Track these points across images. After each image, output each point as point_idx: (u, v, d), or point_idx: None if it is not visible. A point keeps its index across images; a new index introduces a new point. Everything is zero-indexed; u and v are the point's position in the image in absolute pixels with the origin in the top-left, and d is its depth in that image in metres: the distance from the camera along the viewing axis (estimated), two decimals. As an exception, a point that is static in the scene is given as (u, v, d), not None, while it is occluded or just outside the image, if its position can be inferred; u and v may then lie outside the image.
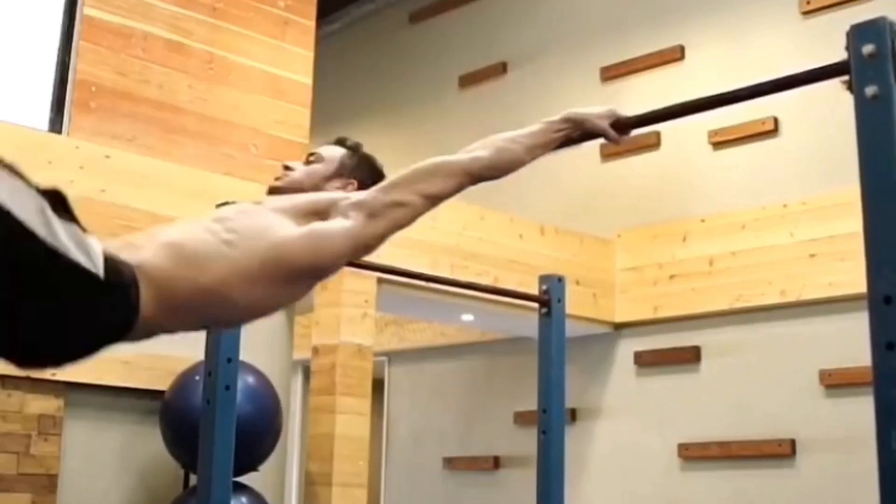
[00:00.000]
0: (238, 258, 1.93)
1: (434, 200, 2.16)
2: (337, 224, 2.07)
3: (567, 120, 2.34)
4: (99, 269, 1.69)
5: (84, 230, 1.76)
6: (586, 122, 2.39)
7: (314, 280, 2.11)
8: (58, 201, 1.78)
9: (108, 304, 1.74)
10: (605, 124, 2.40)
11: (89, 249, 1.71)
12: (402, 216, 2.12)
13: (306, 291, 2.13)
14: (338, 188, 2.27)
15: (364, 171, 2.33)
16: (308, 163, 2.32)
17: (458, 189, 2.19)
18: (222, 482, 2.91)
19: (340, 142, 2.39)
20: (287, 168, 2.30)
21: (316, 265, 2.05)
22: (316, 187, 2.26)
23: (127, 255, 1.80)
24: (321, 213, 2.10)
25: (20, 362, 1.73)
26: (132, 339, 1.83)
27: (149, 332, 1.87)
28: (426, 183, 2.15)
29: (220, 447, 2.92)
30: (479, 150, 2.23)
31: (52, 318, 1.66)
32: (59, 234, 1.68)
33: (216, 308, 1.97)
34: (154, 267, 1.82)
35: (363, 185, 2.25)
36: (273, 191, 2.27)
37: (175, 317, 1.89)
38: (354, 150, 2.36)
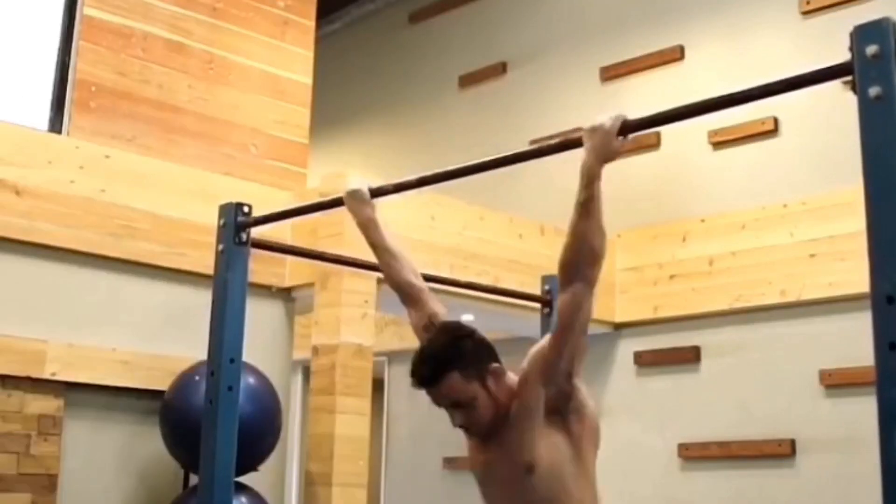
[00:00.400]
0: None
1: (585, 315, 2.39)
2: (576, 404, 2.41)
3: (583, 172, 2.42)
4: None
5: None
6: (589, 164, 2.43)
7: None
8: None
9: None
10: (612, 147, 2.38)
11: None
12: (584, 351, 2.39)
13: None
14: (497, 384, 2.40)
15: (479, 353, 2.42)
16: (463, 409, 2.38)
17: (589, 293, 2.42)
18: (224, 482, 2.90)
19: (440, 369, 2.37)
20: (468, 425, 2.41)
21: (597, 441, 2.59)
22: (496, 406, 2.39)
23: None
24: (553, 408, 2.38)
25: None
26: None
27: None
28: (573, 317, 2.35)
29: (223, 447, 2.91)
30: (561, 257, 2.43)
31: None
32: None
33: None
34: None
35: (492, 354, 2.44)
36: (479, 435, 2.45)
37: None
38: (455, 360, 2.38)
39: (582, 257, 2.34)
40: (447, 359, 2.36)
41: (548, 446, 2.32)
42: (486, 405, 2.36)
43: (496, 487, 2.40)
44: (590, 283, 2.33)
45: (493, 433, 2.40)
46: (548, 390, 2.33)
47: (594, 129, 2.29)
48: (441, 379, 2.35)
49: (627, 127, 2.28)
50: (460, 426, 2.38)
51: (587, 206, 2.35)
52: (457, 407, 2.36)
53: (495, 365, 2.40)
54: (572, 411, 2.37)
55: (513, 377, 2.43)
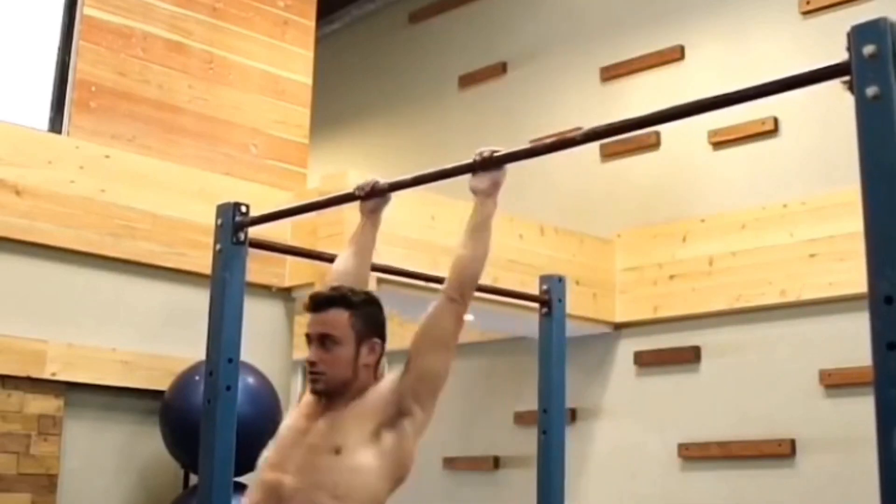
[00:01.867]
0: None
1: (448, 345, 2.40)
2: (402, 433, 2.40)
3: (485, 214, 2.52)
4: None
5: None
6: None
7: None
8: None
9: None
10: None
11: None
12: (436, 375, 2.39)
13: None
14: (367, 355, 2.42)
15: (374, 319, 2.46)
16: (324, 346, 2.38)
17: (459, 317, 2.42)
18: (223, 482, 2.91)
19: (331, 301, 2.43)
20: (313, 364, 2.39)
21: (402, 476, 2.42)
22: (353, 370, 2.40)
23: None
24: (386, 421, 2.38)
25: None
26: None
27: None
28: (431, 346, 2.37)
29: (221, 447, 2.91)
30: (448, 275, 2.45)
31: None
32: None
33: None
34: None
35: (382, 332, 2.46)
36: (320, 394, 2.42)
37: None
38: (351, 304, 2.43)
39: (474, 280, 2.44)
40: (349, 300, 2.42)
41: (363, 445, 2.33)
42: (345, 360, 2.39)
43: (299, 451, 2.35)
44: (467, 305, 2.45)
45: (334, 403, 2.40)
46: (398, 403, 2.39)
47: (481, 179, 2.51)
48: (331, 308, 2.41)
49: (498, 159, 2.51)
50: (310, 361, 2.38)
51: (486, 236, 2.46)
52: (322, 341, 2.38)
53: (378, 342, 2.43)
54: (398, 429, 2.39)
55: (384, 372, 2.46)
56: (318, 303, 2.43)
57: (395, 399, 2.37)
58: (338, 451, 2.31)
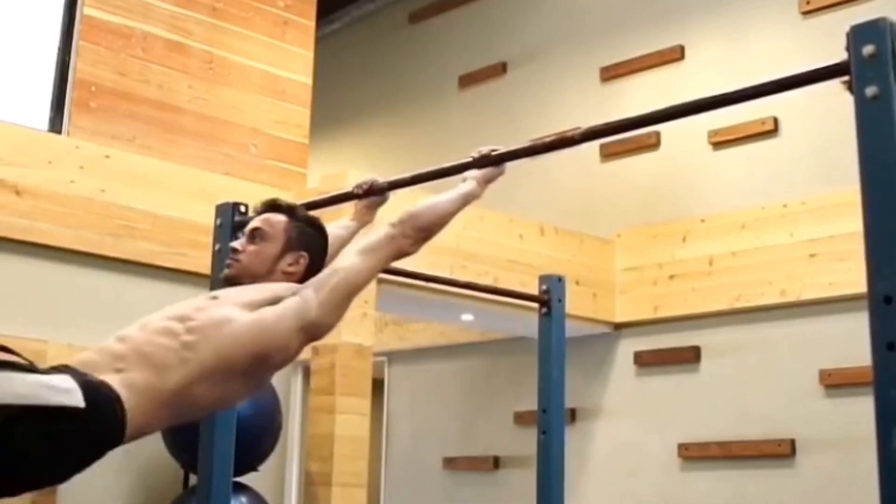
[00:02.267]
0: (198, 361, 2.06)
1: (369, 253, 2.28)
2: (282, 305, 2.17)
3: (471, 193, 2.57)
4: (79, 401, 1.89)
5: (47, 371, 1.97)
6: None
7: (271, 368, 2.20)
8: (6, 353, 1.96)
9: (98, 425, 1.95)
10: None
11: (62, 389, 1.90)
12: (348, 284, 2.22)
13: (268, 379, 2.26)
14: (290, 265, 2.34)
15: (310, 238, 2.40)
16: (252, 240, 2.35)
17: (391, 243, 2.32)
18: (223, 482, 2.91)
19: (277, 207, 2.42)
20: (235, 252, 2.35)
21: (264, 353, 2.13)
22: (270, 269, 2.33)
23: (105, 374, 2.03)
24: (275, 301, 2.19)
25: (20, 492, 2.02)
26: (125, 443, 2.02)
27: (139, 434, 2.05)
28: (352, 250, 2.30)
29: (221, 447, 2.92)
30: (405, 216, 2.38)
31: (53, 454, 1.93)
32: (24, 389, 1.85)
33: (184, 408, 2.09)
34: (129, 380, 2.01)
35: (313, 254, 2.37)
36: (228, 279, 2.34)
37: (156, 418, 2.06)
38: (294, 216, 2.40)
39: (418, 222, 2.38)
40: (294, 212, 2.42)
41: (234, 305, 2.17)
42: (265, 256, 2.34)
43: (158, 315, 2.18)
44: (409, 252, 2.40)
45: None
46: (292, 289, 2.25)
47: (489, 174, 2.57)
48: (274, 211, 2.41)
49: (497, 158, 2.55)
50: (233, 248, 2.36)
51: (451, 204, 2.49)
52: (252, 235, 2.36)
53: (305, 256, 2.36)
54: (278, 305, 2.19)
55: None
56: (266, 205, 2.45)
57: (292, 288, 2.25)
58: (200, 307, 2.15)
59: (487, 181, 2.56)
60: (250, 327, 2.11)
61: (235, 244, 2.38)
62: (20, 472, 1.91)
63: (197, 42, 5.22)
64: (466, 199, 2.51)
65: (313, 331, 2.19)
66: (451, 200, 2.48)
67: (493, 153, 2.57)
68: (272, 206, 2.43)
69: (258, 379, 2.21)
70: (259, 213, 2.45)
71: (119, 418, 1.96)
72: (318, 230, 2.44)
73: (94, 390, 1.94)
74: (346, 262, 2.27)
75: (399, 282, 4.66)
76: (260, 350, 2.12)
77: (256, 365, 2.14)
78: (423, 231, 2.39)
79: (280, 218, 2.38)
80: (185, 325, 2.09)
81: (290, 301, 2.18)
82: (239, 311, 2.13)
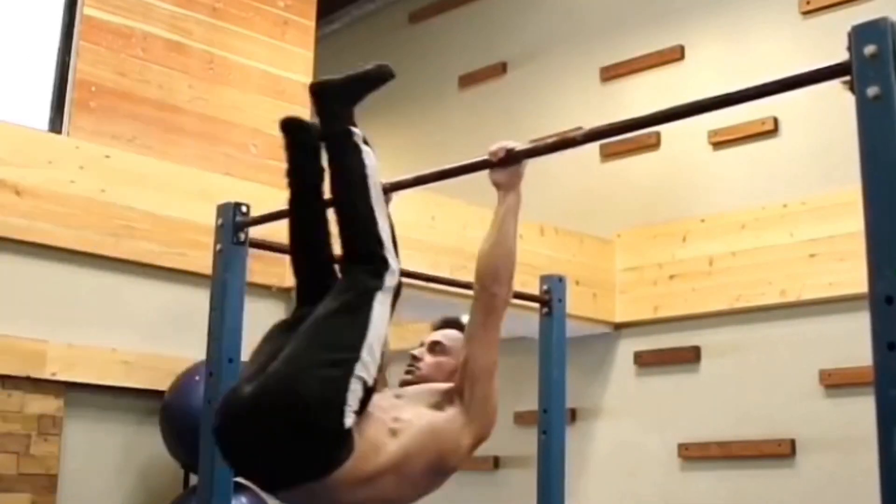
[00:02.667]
0: (397, 450, 2.26)
1: (476, 337, 2.44)
2: (455, 414, 2.38)
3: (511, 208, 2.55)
4: (346, 424, 2.15)
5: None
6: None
7: (446, 472, 2.40)
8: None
9: (338, 451, 2.16)
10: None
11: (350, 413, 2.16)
12: (476, 366, 2.41)
13: (439, 484, 2.42)
14: (456, 378, 2.49)
15: None
16: (433, 352, 2.58)
17: (487, 307, 2.49)
18: (224, 482, 2.91)
19: (457, 324, 2.63)
20: (416, 359, 2.57)
21: (439, 455, 2.34)
22: (446, 381, 2.49)
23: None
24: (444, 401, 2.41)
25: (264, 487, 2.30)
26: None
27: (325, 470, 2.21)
28: (467, 341, 2.45)
29: (221, 447, 2.91)
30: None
31: (308, 458, 2.14)
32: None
33: (369, 494, 2.25)
34: (385, 454, 2.25)
35: None
36: (404, 384, 2.54)
37: (352, 490, 2.23)
38: None
39: (495, 271, 2.51)
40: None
41: (425, 406, 2.41)
42: (443, 370, 2.55)
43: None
44: (508, 301, 2.58)
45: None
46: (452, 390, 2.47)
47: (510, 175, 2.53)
48: (454, 328, 2.64)
49: (501, 161, 2.50)
50: (413, 356, 2.58)
51: (507, 229, 2.50)
52: (433, 346, 2.60)
53: None
54: (452, 407, 2.43)
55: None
56: (446, 321, 2.69)
57: (451, 388, 2.44)
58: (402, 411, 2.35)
59: (516, 180, 2.52)
60: (429, 430, 2.32)
61: (416, 352, 2.59)
62: (280, 466, 2.14)
63: (197, 42, 5.22)
64: (510, 213, 2.49)
65: (480, 433, 2.42)
66: (507, 225, 2.48)
67: (512, 150, 2.51)
68: (453, 322, 2.65)
69: (433, 482, 2.40)
70: (438, 327, 2.66)
71: (341, 458, 2.17)
72: None
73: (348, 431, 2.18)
74: (474, 365, 2.40)
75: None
76: (434, 452, 2.33)
77: (433, 467, 2.35)
78: (503, 279, 2.51)
79: (460, 335, 2.56)
80: (390, 414, 2.31)
81: (459, 409, 2.38)
82: (426, 411, 2.36)
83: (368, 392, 2.20)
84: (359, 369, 2.17)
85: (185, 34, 5.18)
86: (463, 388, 2.39)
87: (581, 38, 6.76)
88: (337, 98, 2.51)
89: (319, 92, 2.54)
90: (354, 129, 2.52)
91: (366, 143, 2.52)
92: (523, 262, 5.42)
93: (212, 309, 3.01)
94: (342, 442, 2.15)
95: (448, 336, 2.59)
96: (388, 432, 2.25)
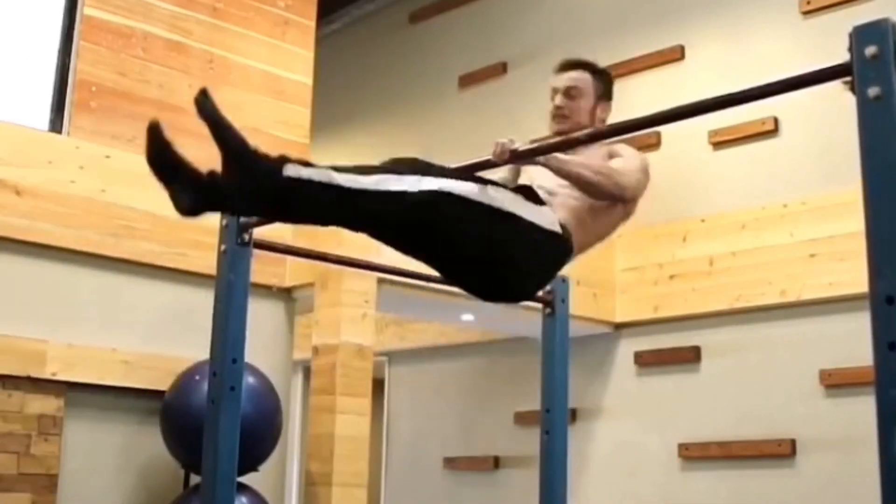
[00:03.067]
0: (584, 200, 2.75)
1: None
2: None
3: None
4: (558, 228, 2.61)
5: (544, 203, 2.64)
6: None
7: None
8: (529, 192, 2.62)
9: (564, 248, 2.64)
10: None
11: (552, 220, 2.59)
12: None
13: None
14: (602, 111, 2.94)
15: (607, 86, 2.99)
16: (571, 97, 2.89)
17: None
18: (226, 483, 2.91)
19: (583, 66, 2.95)
20: (559, 108, 2.88)
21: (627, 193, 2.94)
22: (590, 119, 2.90)
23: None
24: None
25: (497, 299, 2.75)
26: (571, 260, 2.73)
27: (576, 253, 2.74)
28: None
29: (225, 448, 2.91)
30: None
31: (537, 267, 2.61)
32: (539, 219, 2.55)
33: (586, 230, 2.77)
34: (565, 220, 2.67)
35: (611, 98, 3.00)
36: (559, 133, 2.84)
37: (577, 248, 2.72)
38: (594, 70, 2.97)
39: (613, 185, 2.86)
40: (593, 67, 2.97)
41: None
42: (585, 110, 2.89)
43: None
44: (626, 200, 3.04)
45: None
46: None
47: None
48: (578, 69, 2.93)
49: (506, 161, 2.61)
50: (557, 106, 2.88)
51: (568, 171, 2.74)
52: (568, 92, 2.89)
53: (609, 105, 2.95)
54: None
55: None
56: (568, 63, 2.96)
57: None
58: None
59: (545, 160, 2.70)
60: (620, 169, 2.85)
61: (558, 103, 2.88)
62: (513, 280, 2.55)
63: (197, 42, 5.22)
64: (562, 164, 2.71)
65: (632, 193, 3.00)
66: (567, 176, 2.74)
67: (516, 150, 2.55)
68: (576, 64, 2.93)
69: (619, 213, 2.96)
70: (561, 70, 2.94)
71: (570, 246, 2.65)
72: (610, 78, 3.00)
73: (561, 226, 2.61)
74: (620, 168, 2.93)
75: (399, 282, 4.67)
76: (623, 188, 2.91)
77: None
78: (611, 191, 2.91)
79: (585, 74, 2.91)
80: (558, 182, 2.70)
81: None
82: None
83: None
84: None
85: (186, 34, 5.18)
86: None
87: (581, 38, 6.76)
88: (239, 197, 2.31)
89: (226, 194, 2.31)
90: (280, 169, 2.25)
91: (308, 164, 2.26)
92: (523, 262, 5.44)
93: (216, 309, 3.01)
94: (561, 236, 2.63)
95: (577, 79, 2.88)
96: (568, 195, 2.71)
